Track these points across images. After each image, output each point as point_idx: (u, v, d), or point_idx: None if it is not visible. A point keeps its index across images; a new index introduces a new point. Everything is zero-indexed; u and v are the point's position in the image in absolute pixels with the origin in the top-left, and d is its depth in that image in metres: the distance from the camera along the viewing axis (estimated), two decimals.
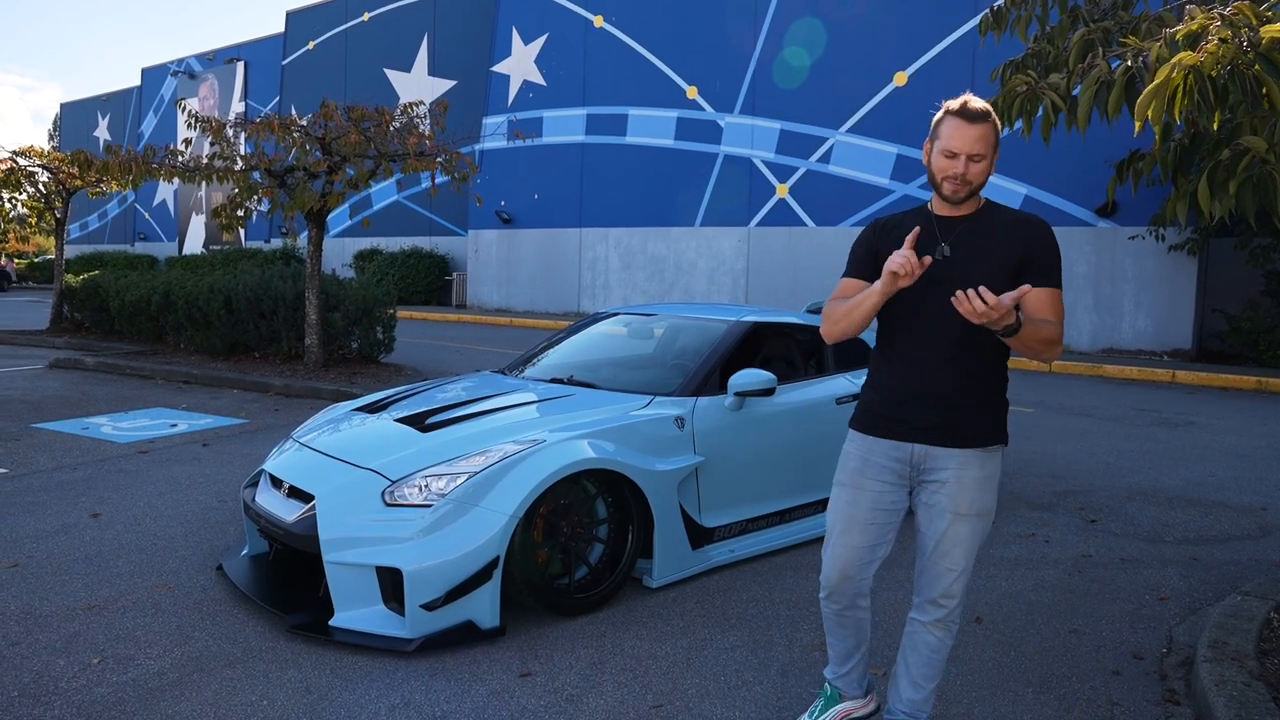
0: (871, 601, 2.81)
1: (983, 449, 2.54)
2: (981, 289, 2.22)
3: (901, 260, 2.32)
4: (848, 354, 5.35)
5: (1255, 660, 3.19)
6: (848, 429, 2.73)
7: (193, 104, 13.62)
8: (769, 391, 4.39)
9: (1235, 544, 5.00)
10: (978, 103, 2.43)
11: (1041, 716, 3.04)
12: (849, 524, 2.63)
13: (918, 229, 2.42)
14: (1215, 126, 2.97)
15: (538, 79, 21.59)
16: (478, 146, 21.46)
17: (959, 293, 2.24)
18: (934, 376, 2.51)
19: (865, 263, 2.62)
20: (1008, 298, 2.22)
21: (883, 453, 2.59)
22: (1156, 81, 2.79)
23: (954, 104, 2.46)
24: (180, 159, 10.01)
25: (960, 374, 2.50)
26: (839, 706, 2.83)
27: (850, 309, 2.50)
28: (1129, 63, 3.29)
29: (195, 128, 9.85)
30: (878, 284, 2.40)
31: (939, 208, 2.55)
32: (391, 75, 26.26)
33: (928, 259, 2.38)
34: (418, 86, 25.24)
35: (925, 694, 2.69)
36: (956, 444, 2.52)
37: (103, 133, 39.54)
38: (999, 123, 2.51)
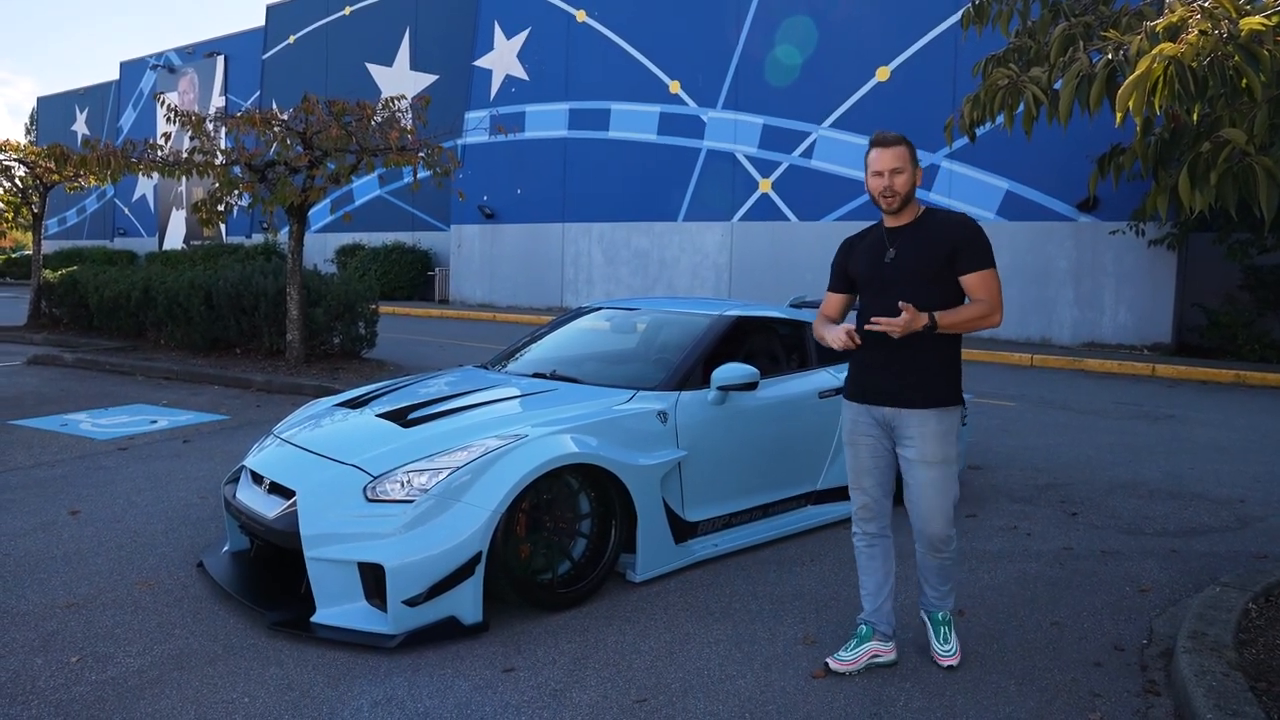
0: (894, 538, 3.40)
1: (938, 408, 3.17)
2: (901, 305, 3.00)
3: (843, 340, 3.20)
4: (830, 349, 5.34)
5: (1234, 650, 3.21)
6: (842, 399, 3.45)
7: (172, 98, 13.47)
8: (752, 386, 4.39)
9: (1214, 536, 5.04)
10: (889, 134, 3.19)
11: (1024, 708, 3.06)
12: (858, 473, 3.36)
13: (848, 331, 3.20)
14: (1195, 118, 2.98)
15: (520, 74, 21.51)
16: (460, 141, 21.36)
17: (882, 324, 3.03)
18: (891, 354, 3.18)
19: (841, 278, 3.43)
20: (908, 313, 2.98)
21: (863, 415, 3.32)
22: (1138, 72, 2.80)
23: (873, 137, 3.20)
24: (160, 153, 9.89)
25: (911, 352, 3.15)
26: (869, 644, 3.30)
27: (825, 337, 3.33)
28: (1110, 56, 3.30)
29: (175, 122, 9.74)
30: (834, 338, 3.26)
31: (888, 221, 3.28)
32: (373, 70, 26.10)
33: (890, 250, 3.23)
34: (400, 81, 25.09)
35: (943, 592, 3.37)
36: (914, 405, 3.17)
37: (81, 127, 39.08)
38: (911, 146, 3.16)
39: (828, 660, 3.29)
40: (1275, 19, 2.81)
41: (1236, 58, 2.74)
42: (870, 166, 3.18)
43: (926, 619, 3.44)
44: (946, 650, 3.35)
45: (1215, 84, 2.81)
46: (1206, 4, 2.86)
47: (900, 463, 3.28)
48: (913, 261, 3.16)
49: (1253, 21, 2.74)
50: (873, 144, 3.19)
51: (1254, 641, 3.37)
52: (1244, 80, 2.81)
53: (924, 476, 3.19)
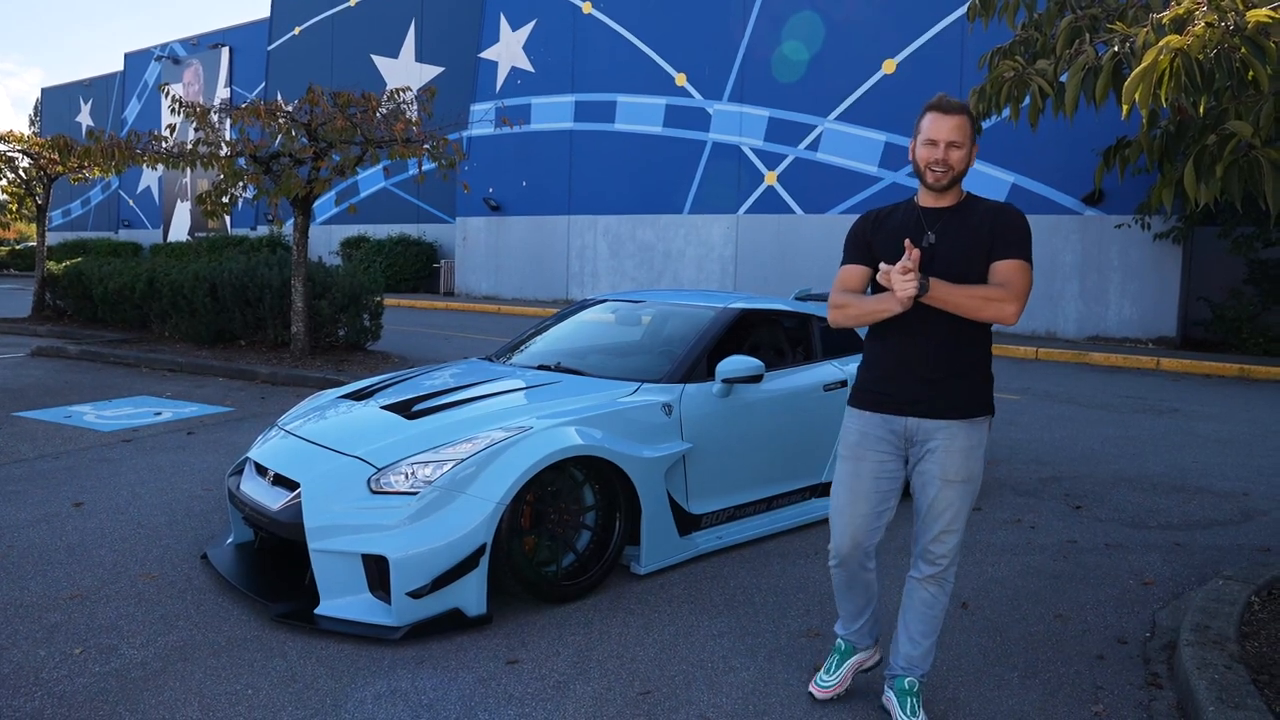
0: (878, 561, 3.00)
1: (967, 420, 2.79)
2: (908, 244, 2.63)
3: (903, 276, 2.62)
4: (835, 341, 5.35)
5: (1236, 643, 3.21)
6: (847, 407, 2.97)
7: (177, 89, 13.48)
8: (757, 378, 4.39)
9: (1218, 529, 5.04)
10: (953, 100, 2.76)
11: (1027, 701, 3.06)
12: (854, 494, 2.87)
13: (916, 253, 2.66)
14: (1202, 111, 2.96)
15: (526, 65, 21.47)
16: (465, 133, 21.34)
17: (884, 271, 2.66)
18: (920, 355, 2.78)
19: (863, 250, 2.90)
20: (909, 264, 2.60)
21: (877, 426, 2.85)
22: (1144, 64, 2.78)
23: (932, 100, 2.78)
24: (164, 145, 9.90)
25: (943, 352, 2.77)
26: (852, 659, 3.07)
27: (867, 312, 2.80)
28: (1116, 49, 3.28)
29: (179, 113, 9.73)
30: (895, 304, 2.68)
31: (924, 199, 2.84)
32: (378, 61, 26.06)
33: (929, 233, 2.77)
34: (405, 73, 25.06)
35: (922, 650, 2.88)
36: (942, 415, 2.77)
37: (85, 118, 39.10)
38: (975, 119, 2.75)
39: (811, 689, 3.03)
40: None
41: (1243, 50, 2.72)
42: (923, 133, 2.74)
43: (891, 691, 2.90)
44: None
45: (1222, 76, 2.80)
46: None
47: (913, 478, 2.87)
48: (955, 250, 2.74)
49: (1259, 14, 2.73)
50: (930, 108, 2.75)
51: (1257, 634, 3.36)
52: (1250, 73, 2.79)
53: (942, 495, 2.79)
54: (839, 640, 3.09)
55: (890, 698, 2.90)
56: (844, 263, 2.94)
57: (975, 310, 2.67)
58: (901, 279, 2.60)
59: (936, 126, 2.72)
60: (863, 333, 3.03)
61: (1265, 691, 2.90)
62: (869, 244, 2.89)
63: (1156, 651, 3.45)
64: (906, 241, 2.65)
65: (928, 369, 2.77)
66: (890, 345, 2.83)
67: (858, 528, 2.86)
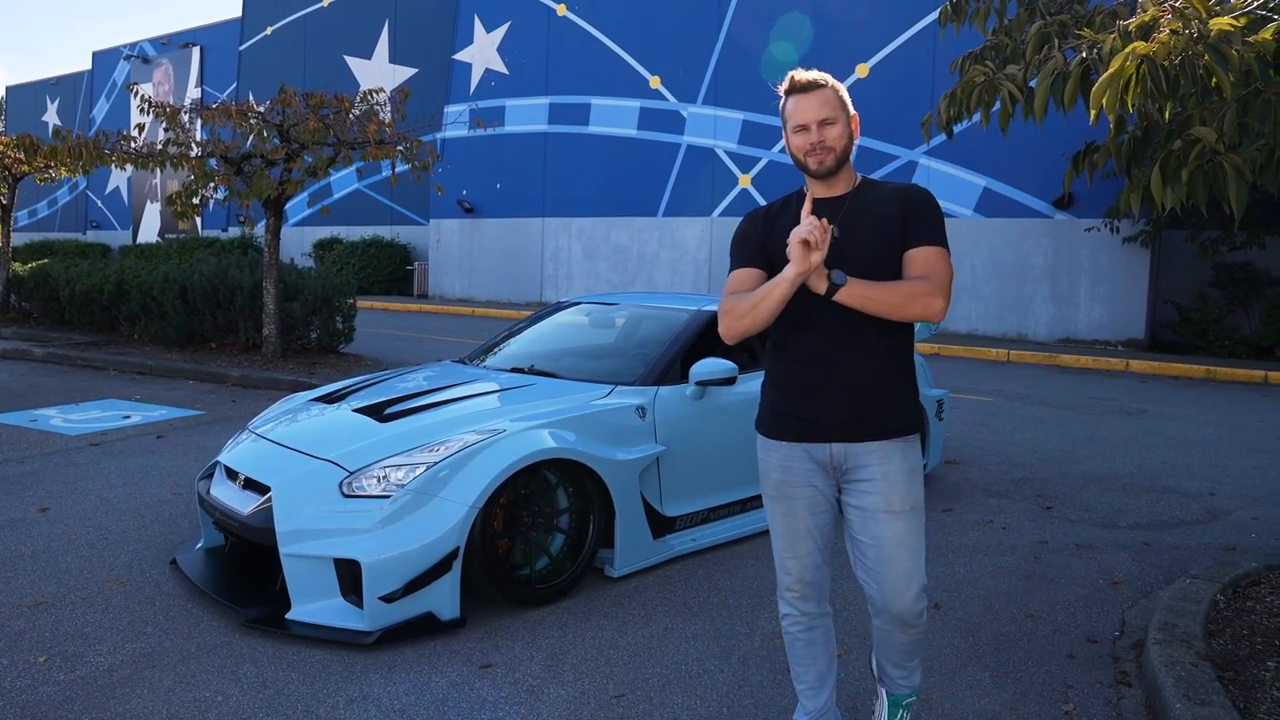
0: (832, 619, 2.69)
1: (902, 439, 2.44)
2: (810, 219, 2.25)
3: (809, 226, 2.23)
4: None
5: (1202, 641, 3.26)
6: (758, 437, 2.57)
7: (146, 89, 13.30)
8: (730, 381, 4.40)
9: (1185, 529, 5.11)
10: (806, 74, 2.43)
11: (999, 701, 3.09)
12: (792, 537, 2.52)
13: (810, 198, 2.37)
14: (1167, 116, 3.01)
15: (500, 67, 21.40)
16: (439, 135, 21.22)
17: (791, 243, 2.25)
18: (837, 367, 2.41)
19: (755, 252, 2.51)
20: (819, 229, 2.23)
21: (799, 457, 2.47)
22: (1111, 70, 2.82)
23: (785, 83, 2.45)
24: (133, 145, 9.77)
25: (863, 362, 2.40)
26: None
27: (758, 300, 2.33)
28: (1084, 54, 3.32)
29: (149, 113, 9.61)
30: (788, 268, 2.27)
31: (816, 191, 2.47)
32: (352, 62, 25.87)
33: (832, 227, 2.31)
34: (379, 74, 24.90)
35: (909, 669, 2.64)
36: (873, 437, 2.41)
37: (52, 117, 38.50)
38: (839, 89, 2.43)
39: None
40: (1243, 20, 2.84)
41: (1207, 57, 2.77)
42: (790, 120, 2.42)
43: (885, 697, 2.71)
44: None
45: (1186, 83, 2.84)
46: (1178, 4, 2.89)
47: (850, 516, 2.48)
48: (862, 243, 2.38)
49: (1222, 22, 2.77)
50: (787, 91, 2.43)
51: (1222, 632, 3.41)
52: (1214, 79, 2.84)
53: (890, 531, 2.40)
54: None
55: (882, 700, 2.72)
56: (733, 268, 2.53)
57: (900, 308, 2.30)
58: (803, 249, 2.23)
59: (802, 109, 2.39)
60: None
61: (1230, 688, 2.95)
62: (762, 244, 2.50)
63: (1125, 650, 3.49)
64: (809, 214, 2.29)
65: (849, 382, 2.40)
66: (804, 358, 2.44)
67: (805, 566, 2.52)
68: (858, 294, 2.28)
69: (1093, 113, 2.95)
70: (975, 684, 3.20)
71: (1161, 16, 2.90)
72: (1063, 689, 3.17)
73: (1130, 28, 3.01)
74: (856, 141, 2.46)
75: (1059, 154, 7.87)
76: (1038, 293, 15.20)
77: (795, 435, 2.46)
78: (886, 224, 2.40)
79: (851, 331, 2.38)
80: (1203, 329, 13.68)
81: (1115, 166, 4.11)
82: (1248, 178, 3.01)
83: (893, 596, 2.45)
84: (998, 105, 4.14)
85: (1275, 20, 2.81)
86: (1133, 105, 2.87)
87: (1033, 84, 3.80)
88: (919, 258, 2.36)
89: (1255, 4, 3.00)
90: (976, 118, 4.34)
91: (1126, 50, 2.81)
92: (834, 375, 2.41)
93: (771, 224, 2.51)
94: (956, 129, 4.59)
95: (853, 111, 2.45)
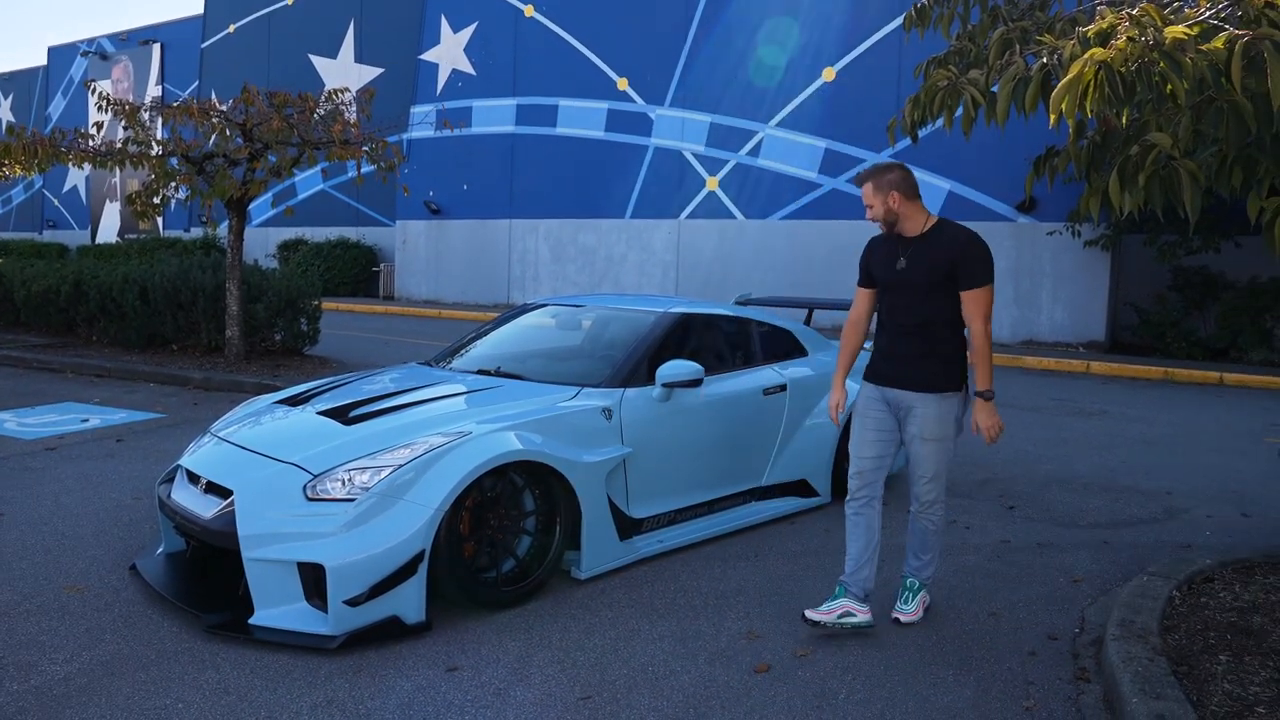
0: (881, 511, 3.72)
1: (938, 393, 3.61)
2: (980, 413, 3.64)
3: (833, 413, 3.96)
4: (776, 346, 5.41)
5: (1159, 637, 3.32)
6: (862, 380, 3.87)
7: (105, 86, 13.06)
8: (696, 382, 4.41)
9: (1143, 527, 5.21)
10: (864, 172, 3.67)
11: (961, 697, 3.12)
12: (861, 442, 3.74)
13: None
14: (1125, 122, 3.06)
15: (467, 68, 21.30)
16: (405, 135, 21.05)
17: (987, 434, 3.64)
18: (899, 344, 3.68)
19: (866, 275, 3.82)
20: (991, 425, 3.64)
21: (876, 393, 3.75)
22: (1070, 76, 2.87)
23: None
24: (91, 143, 9.59)
25: (915, 343, 3.64)
26: (843, 600, 3.61)
27: (839, 358, 3.94)
28: (1045, 60, 3.37)
29: (107, 111, 9.44)
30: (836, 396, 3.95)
31: (904, 230, 3.67)
32: (317, 61, 25.60)
33: (900, 258, 3.68)
34: (344, 73, 24.64)
35: (923, 562, 3.80)
36: (916, 389, 3.62)
37: (5, 114, 37.64)
38: (875, 182, 3.60)
39: (805, 611, 3.60)
40: (1196, 29, 2.90)
41: (1162, 64, 2.82)
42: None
43: (904, 581, 3.84)
44: (904, 609, 3.76)
45: (1143, 89, 2.89)
46: (1135, 12, 2.95)
47: (904, 437, 3.71)
48: (918, 274, 3.58)
49: (1176, 30, 2.83)
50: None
51: (1177, 628, 3.48)
52: (1169, 86, 2.90)
53: (921, 450, 3.66)
54: (839, 585, 3.68)
55: (902, 588, 3.83)
56: (858, 284, 3.87)
57: (983, 348, 3.59)
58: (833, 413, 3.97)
59: (863, 193, 3.67)
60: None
61: (1184, 682, 3.01)
62: (868, 267, 3.78)
63: (1085, 646, 3.55)
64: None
65: (905, 354, 3.65)
66: (884, 335, 3.75)
67: (865, 466, 3.70)
68: (988, 382, 3.63)
69: (1053, 117, 3.00)
70: (939, 681, 3.24)
71: (1119, 24, 2.96)
72: (1024, 685, 3.22)
73: (1089, 34, 3.06)
74: (895, 207, 3.59)
75: (1021, 158, 7.98)
76: (1001, 295, 15.36)
77: (873, 380, 3.77)
78: (939, 261, 3.56)
79: (908, 324, 3.65)
80: (1161, 331, 13.93)
81: (1075, 171, 4.18)
82: (1202, 183, 3.07)
83: (916, 484, 3.75)
84: (961, 110, 4.19)
85: (1226, 29, 2.87)
86: (1091, 110, 2.91)
87: (995, 89, 3.85)
88: (967, 299, 3.56)
89: (1208, 13, 3.07)
90: (940, 122, 4.39)
91: (1085, 56, 2.86)
92: (896, 348, 3.70)
93: (873, 251, 3.80)
94: (922, 133, 4.63)
95: (891, 191, 3.58)
